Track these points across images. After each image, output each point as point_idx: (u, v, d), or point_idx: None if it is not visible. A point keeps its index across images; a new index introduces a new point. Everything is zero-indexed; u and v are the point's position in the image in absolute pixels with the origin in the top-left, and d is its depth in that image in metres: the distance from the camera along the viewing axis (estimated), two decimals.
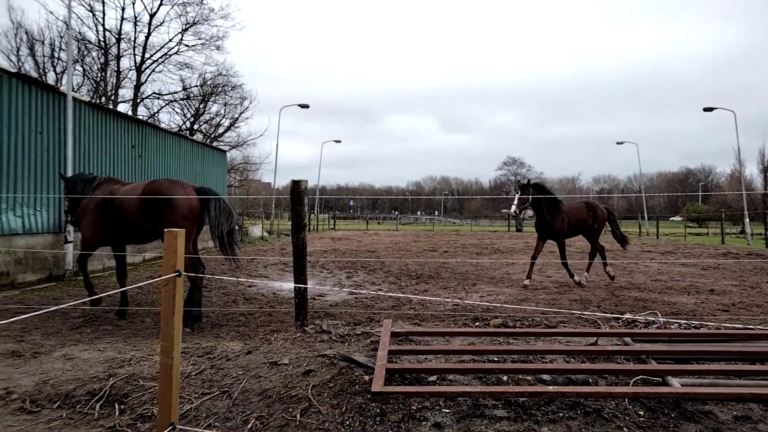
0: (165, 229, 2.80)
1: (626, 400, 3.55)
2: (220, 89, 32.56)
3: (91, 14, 27.75)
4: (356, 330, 5.21)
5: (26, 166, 10.08)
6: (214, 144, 28.35)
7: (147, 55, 29.57)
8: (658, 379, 3.81)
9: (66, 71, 27.99)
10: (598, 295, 9.40)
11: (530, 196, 10.44)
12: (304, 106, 29.82)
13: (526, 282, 10.54)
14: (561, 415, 3.39)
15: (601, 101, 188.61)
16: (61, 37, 27.84)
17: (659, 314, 6.61)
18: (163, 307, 2.77)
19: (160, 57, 30.21)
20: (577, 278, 10.77)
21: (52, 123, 10.79)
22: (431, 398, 3.50)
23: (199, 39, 30.82)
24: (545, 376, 3.79)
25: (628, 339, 4.61)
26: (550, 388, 3.28)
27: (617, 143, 45.87)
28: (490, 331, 4.62)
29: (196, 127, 33.00)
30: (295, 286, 5.44)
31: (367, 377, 3.61)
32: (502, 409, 3.42)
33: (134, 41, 29.25)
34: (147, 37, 29.36)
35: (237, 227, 7.52)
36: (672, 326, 5.77)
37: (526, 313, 7.30)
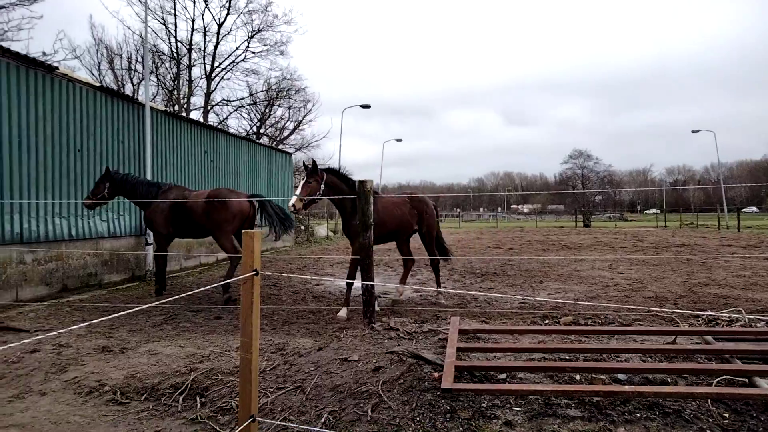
0: (243, 231, 2.94)
1: (709, 401, 3.39)
2: (284, 93, 33.52)
3: (164, 27, 29.30)
4: (423, 327, 5.24)
5: None
6: (280, 147, 29.19)
7: (216, 64, 30.91)
8: (744, 379, 3.62)
9: (142, 82, 29.69)
10: (675, 292, 8.99)
11: (322, 184, 7.44)
12: (366, 107, 30.16)
13: (342, 314, 7.04)
14: (638, 415, 3.29)
15: (677, 87, 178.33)
16: (137, 51, 29.55)
17: (743, 311, 6.25)
18: (242, 305, 2.91)
19: (228, 65, 31.49)
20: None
21: (132, 132, 11.47)
22: (502, 396, 3.49)
23: (264, 45, 31.84)
24: (620, 376, 3.68)
25: (709, 337, 4.40)
26: (627, 388, 3.19)
27: (693, 132, 43.32)
28: (561, 329, 4.54)
29: (262, 131, 34.10)
30: (362, 284, 5.54)
31: (436, 374, 3.64)
32: (575, 409, 3.36)
33: (204, 51, 30.64)
34: (216, 47, 30.66)
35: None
36: (758, 324, 5.45)
37: (598, 311, 7.09)
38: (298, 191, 7.36)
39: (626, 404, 3.38)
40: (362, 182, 5.55)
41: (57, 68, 9.19)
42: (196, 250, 13.75)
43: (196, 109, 30.73)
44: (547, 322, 6.08)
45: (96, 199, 9.02)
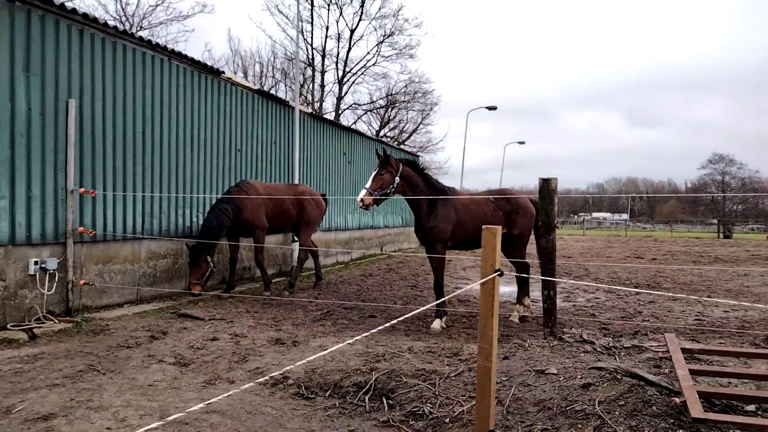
0: (483, 227, 2.69)
1: None
2: (412, 96, 33.85)
3: (300, 35, 30.82)
4: (622, 342, 4.75)
5: (264, 173, 11.26)
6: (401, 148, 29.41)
7: (347, 69, 31.91)
8: None
9: (274, 87, 31.39)
10: None
11: (397, 177, 6.58)
12: (492, 108, 29.35)
13: (436, 326, 6.73)
14: None
15: None
16: (268, 59, 31.39)
17: None
18: (481, 308, 2.67)
19: (359, 69, 32.38)
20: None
21: (282, 133, 11.92)
22: None
23: (394, 49, 32.26)
24: None
25: None
26: None
27: None
28: None
29: (382, 132, 34.66)
30: (543, 292, 5.15)
31: (678, 400, 3.17)
32: None
33: (337, 56, 31.76)
34: (348, 52, 31.65)
35: None
36: None
37: None
38: (368, 184, 6.51)
39: None
40: (546, 180, 5.18)
41: (223, 72, 9.74)
42: (334, 248, 14.06)
43: (327, 114, 31.92)
44: None
45: (202, 275, 8.31)
